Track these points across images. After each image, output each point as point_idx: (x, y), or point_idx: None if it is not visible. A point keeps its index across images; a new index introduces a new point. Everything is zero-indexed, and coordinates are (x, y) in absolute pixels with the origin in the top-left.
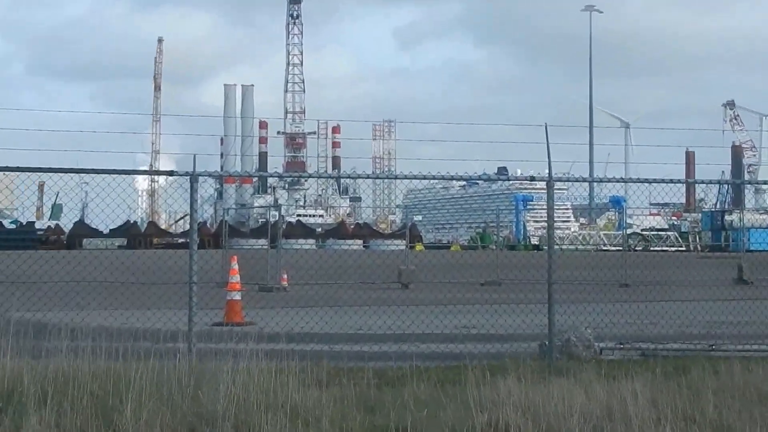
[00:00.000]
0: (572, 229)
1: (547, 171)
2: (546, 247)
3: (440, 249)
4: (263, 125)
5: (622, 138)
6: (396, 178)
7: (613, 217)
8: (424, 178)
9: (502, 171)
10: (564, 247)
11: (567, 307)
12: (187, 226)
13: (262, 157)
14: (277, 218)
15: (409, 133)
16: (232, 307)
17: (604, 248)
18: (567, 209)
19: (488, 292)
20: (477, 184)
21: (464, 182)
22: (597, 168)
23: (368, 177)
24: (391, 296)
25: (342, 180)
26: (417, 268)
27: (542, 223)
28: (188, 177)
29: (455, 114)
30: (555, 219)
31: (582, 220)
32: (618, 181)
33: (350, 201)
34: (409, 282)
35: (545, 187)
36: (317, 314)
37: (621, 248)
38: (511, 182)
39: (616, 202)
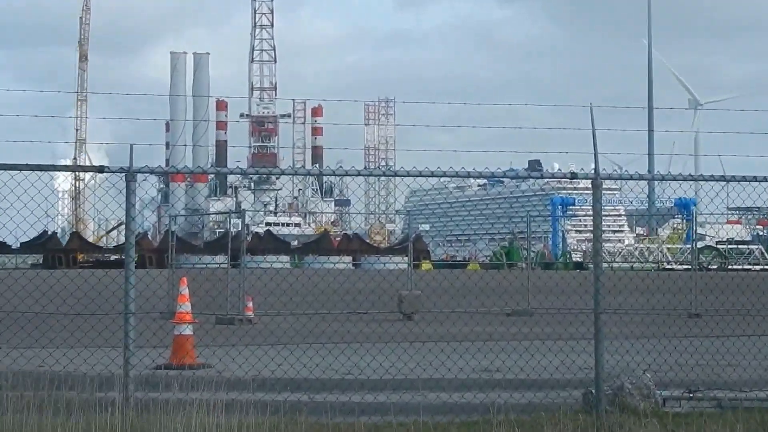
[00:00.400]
0: (626, 242)
1: (593, 166)
2: (592, 266)
3: (454, 268)
4: (222, 106)
5: (689, 121)
6: (395, 175)
7: (680, 226)
8: (432, 175)
9: (535, 165)
10: (615, 264)
11: (620, 344)
12: (122, 239)
13: (221, 147)
14: (240, 228)
15: (412, 116)
16: (182, 345)
17: (668, 267)
18: (620, 216)
19: (517, 325)
20: (502, 182)
21: (485, 180)
22: (659, 162)
23: (359, 174)
24: (389, 330)
25: (325, 178)
26: (423, 294)
27: (587, 234)
28: (123, 174)
29: (473, 91)
30: (604, 228)
31: (639, 229)
32: (686, 179)
33: (336, 205)
34: (413, 312)
35: (590, 186)
36: (293, 354)
37: (690, 266)
38: (546, 180)
39: (684, 207)
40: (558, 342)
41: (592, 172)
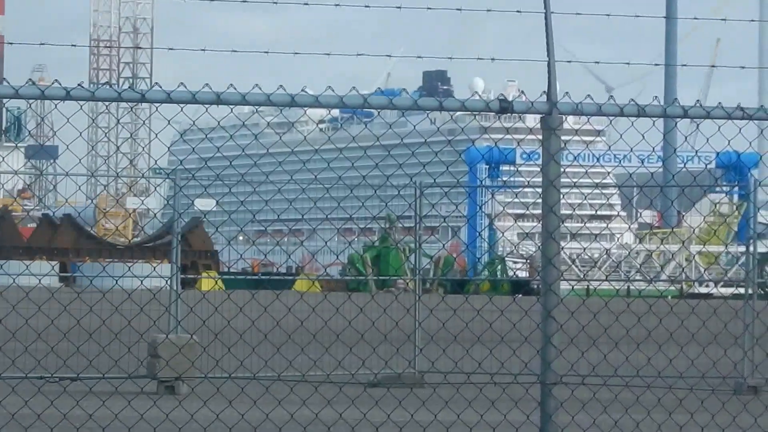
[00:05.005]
0: (618, 241)
1: (545, 86)
2: (539, 285)
3: (265, 288)
4: None
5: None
6: (144, 100)
7: (727, 209)
8: (220, 102)
9: (437, 84)
10: (593, 286)
11: None
12: None
13: None
14: None
15: None
16: None
17: (700, 291)
18: (604, 187)
19: (388, 405)
20: (366, 117)
21: (330, 113)
22: (685, 78)
23: (69, 96)
24: (127, 415)
25: (4, 102)
26: (199, 340)
27: (535, 224)
28: None
29: None
30: (570, 212)
31: (644, 214)
32: (731, 117)
33: (27, 158)
34: (177, 377)
35: (540, 127)
36: None
37: (742, 290)
38: (456, 115)
39: (735, 171)
40: None
41: (544, 100)
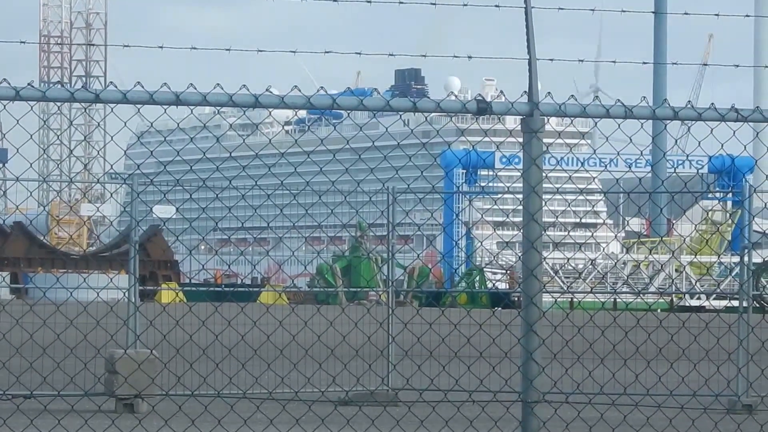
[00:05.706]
0: (604, 251)
1: (526, 85)
2: (520, 297)
3: (229, 300)
4: None
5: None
6: (97, 100)
7: (720, 217)
8: (179, 102)
9: (410, 83)
10: (577, 299)
11: None
12: None
13: None
14: None
15: None
16: None
17: (692, 303)
18: (589, 193)
19: (360, 424)
20: (338, 117)
21: (296, 114)
22: (676, 79)
23: (19, 96)
24: None
25: None
26: (159, 356)
27: (516, 233)
28: None
29: None
30: (554, 219)
31: (632, 222)
32: (724, 119)
33: None
34: (136, 395)
35: (520, 129)
36: None
37: (736, 303)
38: (431, 116)
39: (729, 176)
40: None
41: (524, 100)
